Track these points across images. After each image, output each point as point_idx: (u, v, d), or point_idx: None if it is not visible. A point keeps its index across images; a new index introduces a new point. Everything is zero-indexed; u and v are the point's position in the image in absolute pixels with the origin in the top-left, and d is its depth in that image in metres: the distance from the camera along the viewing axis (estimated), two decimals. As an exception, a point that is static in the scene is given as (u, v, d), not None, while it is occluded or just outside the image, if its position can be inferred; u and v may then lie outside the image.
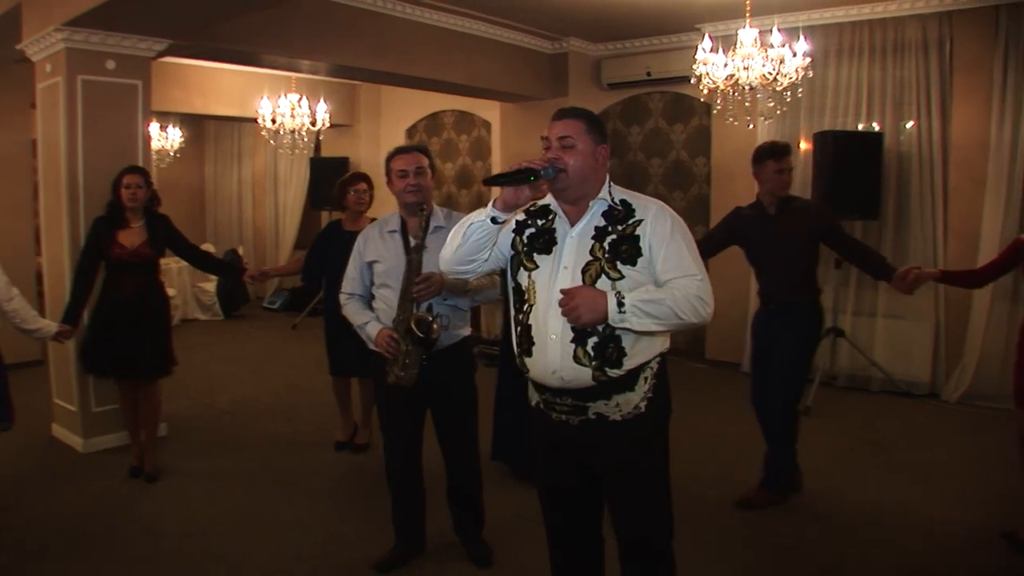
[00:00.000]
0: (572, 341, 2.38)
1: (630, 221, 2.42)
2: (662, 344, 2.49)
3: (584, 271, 2.40)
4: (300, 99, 8.50)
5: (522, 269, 2.49)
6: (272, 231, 12.06)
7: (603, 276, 2.37)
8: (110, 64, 5.19)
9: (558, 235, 2.47)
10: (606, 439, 2.46)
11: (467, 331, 3.59)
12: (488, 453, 4.82)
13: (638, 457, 2.50)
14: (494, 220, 2.43)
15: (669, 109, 8.38)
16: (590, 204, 2.46)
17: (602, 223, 2.44)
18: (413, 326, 3.27)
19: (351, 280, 3.61)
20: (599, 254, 2.40)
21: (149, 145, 5.56)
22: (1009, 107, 6.26)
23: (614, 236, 2.41)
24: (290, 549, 3.90)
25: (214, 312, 10.67)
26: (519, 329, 2.51)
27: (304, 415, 6.17)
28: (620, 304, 2.29)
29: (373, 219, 5.19)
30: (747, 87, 5.56)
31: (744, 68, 5.42)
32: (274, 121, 8.43)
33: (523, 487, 4.50)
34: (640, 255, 2.39)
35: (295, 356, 8.34)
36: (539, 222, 2.52)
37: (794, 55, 5.49)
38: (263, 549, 3.89)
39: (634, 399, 2.44)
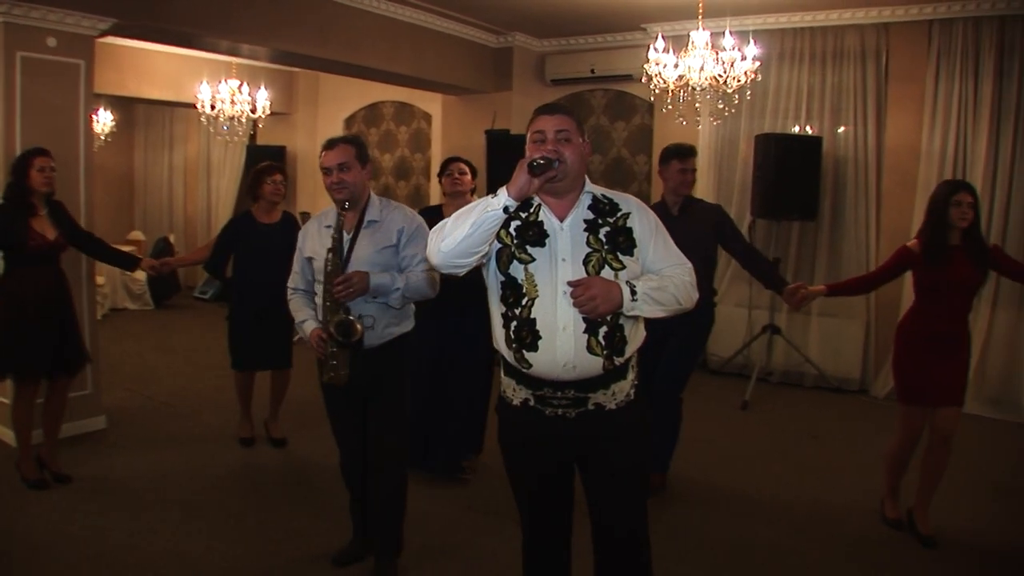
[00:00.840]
0: (585, 332, 2.38)
1: (618, 214, 2.47)
2: (643, 333, 2.55)
3: (586, 262, 2.40)
4: (240, 85, 8.24)
5: (516, 262, 2.43)
6: (204, 219, 11.71)
7: (606, 267, 2.40)
8: (51, 41, 4.92)
9: (547, 227, 2.44)
10: (602, 429, 2.47)
11: (404, 328, 3.44)
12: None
13: (631, 444, 2.53)
14: (506, 209, 2.35)
15: (612, 107, 8.42)
16: (579, 197, 2.48)
17: (590, 216, 2.46)
18: (332, 330, 3.19)
19: (295, 275, 3.50)
20: (597, 245, 2.41)
21: (92, 129, 5.30)
22: (940, 116, 6.51)
23: (608, 228, 2.44)
24: (244, 545, 3.78)
25: (144, 301, 10.32)
26: (515, 324, 2.43)
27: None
28: (633, 293, 2.34)
29: (286, 212, 5.22)
30: (697, 88, 5.62)
31: (700, 68, 5.46)
32: (213, 107, 8.15)
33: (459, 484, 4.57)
34: (635, 246, 2.45)
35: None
36: (522, 214, 2.47)
37: (743, 58, 5.57)
38: (218, 546, 3.77)
39: (626, 387, 2.49)
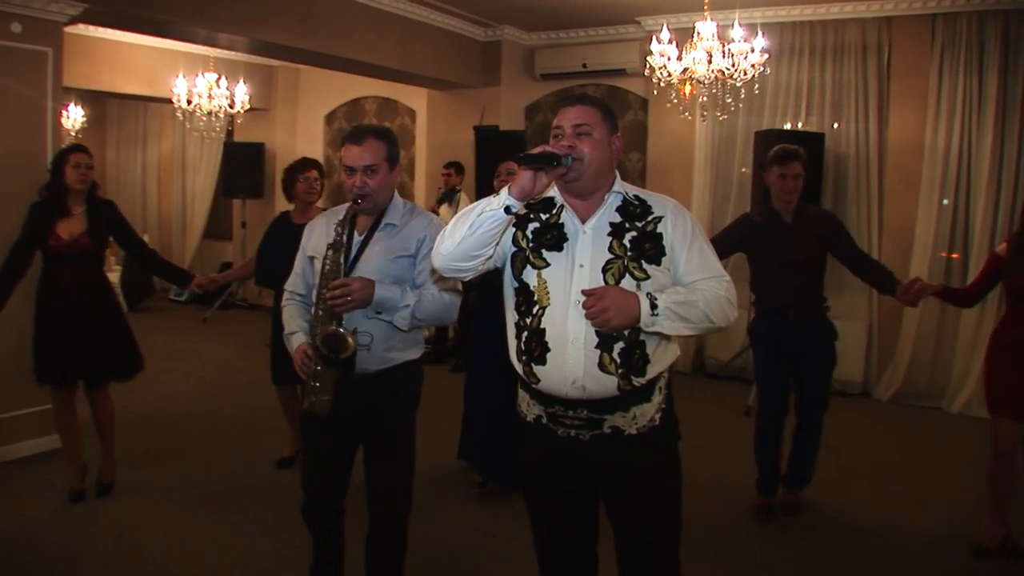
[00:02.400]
0: (597, 347, 2.13)
1: (649, 218, 2.21)
2: (675, 351, 2.29)
3: (605, 270, 2.16)
4: (218, 79, 7.82)
5: (529, 267, 2.20)
6: (179, 219, 11.26)
7: (627, 275, 2.15)
8: (16, 27, 4.52)
9: (567, 230, 2.21)
10: (620, 454, 2.21)
11: (410, 355, 2.85)
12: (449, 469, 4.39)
13: (654, 472, 2.27)
14: (507, 210, 2.09)
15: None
16: (605, 198, 2.23)
17: (617, 219, 2.21)
18: (319, 342, 2.62)
19: (295, 277, 2.95)
20: (620, 252, 2.17)
21: (60, 122, 4.89)
22: (944, 113, 6.29)
23: (634, 233, 2.19)
24: (232, 574, 3.41)
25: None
26: (526, 334, 2.21)
27: (228, 419, 5.62)
28: (653, 306, 2.07)
29: (324, 209, 4.73)
30: (705, 82, 5.32)
31: (708, 61, 5.17)
32: (189, 102, 7.72)
33: (484, 503, 4.22)
34: (663, 254, 2.19)
35: (210, 353, 7.71)
36: (543, 216, 2.25)
37: (752, 51, 5.29)
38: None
39: (650, 411, 2.23)
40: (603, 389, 2.14)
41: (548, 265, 2.18)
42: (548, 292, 2.16)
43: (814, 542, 3.93)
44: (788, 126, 6.84)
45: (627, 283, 2.13)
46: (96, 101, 10.76)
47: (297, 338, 2.82)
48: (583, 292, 2.10)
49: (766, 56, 5.34)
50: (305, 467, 2.99)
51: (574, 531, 2.38)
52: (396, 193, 2.88)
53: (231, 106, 7.93)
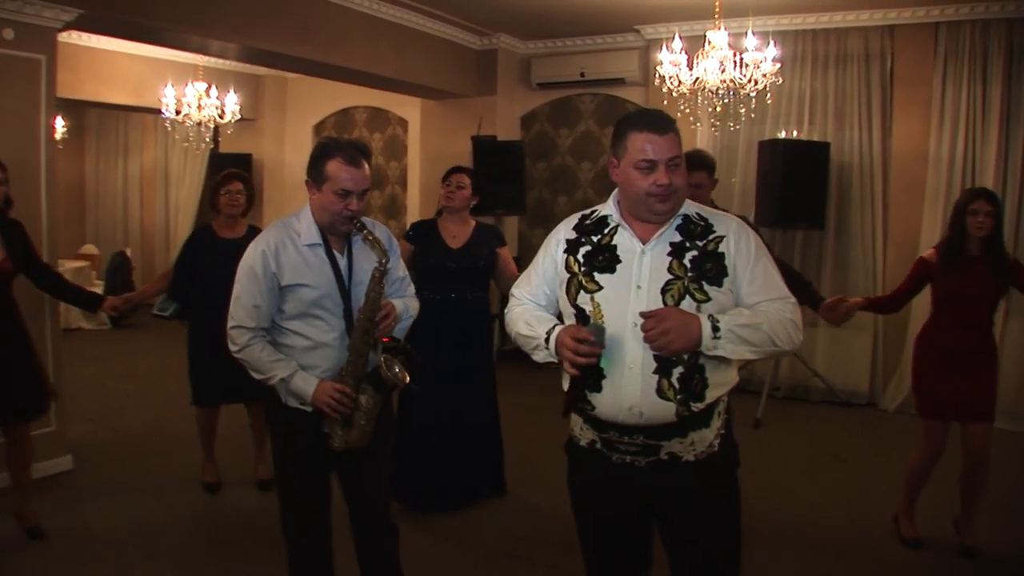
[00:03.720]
0: (655, 372, 2.02)
1: (710, 237, 2.11)
2: (734, 376, 2.16)
3: (664, 291, 2.05)
4: (208, 88, 7.58)
5: (583, 292, 2.10)
6: (162, 232, 10.98)
7: (688, 297, 2.04)
8: (8, 33, 4.29)
9: (621, 251, 2.11)
10: (678, 482, 2.10)
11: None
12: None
13: (714, 500, 2.15)
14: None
15: (601, 112, 7.97)
16: (671, 217, 2.12)
17: (678, 238, 2.10)
18: (386, 374, 2.54)
19: (253, 311, 2.57)
20: (680, 272, 2.06)
21: (53, 134, 4.65)
22: (948, 121, 6.25)
23: (695, 252, 2.08)
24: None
25: (100, 320, 9.50)
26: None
27: (225, 442, 5.37)
28: (715, 328, 1.98)
29: (252, 225, 4.47)
30: (718, 91, 5.21)
31: (720, 70, 5.05)
32: (178, 112, 7.47)
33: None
34: (726, 275, 2.08)
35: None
36: (594, 238, 2.16)
37: (765, 60, 5.19)
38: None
39: (708, 436, 2.11)
40: (661, 415, 2.04)
41: (600, 288, 2.08)
42: (603, 317, 2.06)
43: (831, 558, 3.80)
44: (794, 134, 6.76)
45: (687, 305, 2.03)
46: (76, 110, 10.48)
47: (303, 378, 2.56)
48: (641, 315, 1.99)
49: (778, 66, 5.24)
50: (298, 492, 2.73)
51: (627, 558, 2.26)
52: None
53: (221, 116, 7.69)
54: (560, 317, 2.22)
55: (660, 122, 2.07)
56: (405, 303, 2.76)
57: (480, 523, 4.14)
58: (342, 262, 2.62)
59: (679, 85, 5.29)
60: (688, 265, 2.06)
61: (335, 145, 2.57)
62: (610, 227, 2.15)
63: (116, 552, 3.70)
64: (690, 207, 2.15)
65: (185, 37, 5.63)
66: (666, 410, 2.03)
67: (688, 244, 2.08)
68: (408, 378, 2.60)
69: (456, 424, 4.18)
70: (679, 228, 2.11)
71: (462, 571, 3.64)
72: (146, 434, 5.52)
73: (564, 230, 2.23)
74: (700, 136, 6.96)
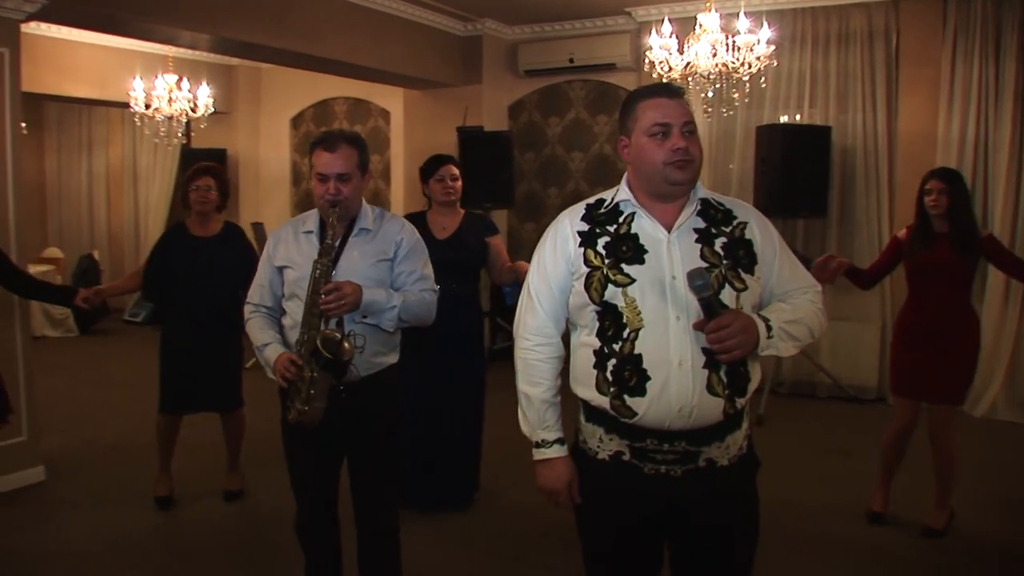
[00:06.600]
0: (705, 366, 2.03)
1: (734, 223, 2.17)
2: (759, 369, 2.22)
3: None
4: (179, 80, 7.76)
5: (612, 286, 2.08)
6: (132, 233, 11.15)
7: (727, 286, 2.07)
8: (-33, 27, 4.47)
9: (644, 240, 2.10)
10: (711, 488, 2.11)
11: (392, 359, 3.06)
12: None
13: (746, 507, 2.22)
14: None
15: (592, 99, 8.17)
16: (688, 200, 2.15)
17: (701, 224, 2.14)
18: (319, 345, 2.70)
19: (259, 289, 3.05)
20: (714, 260, 2.09)
21: (20, 131, 4.82)
22: (958, 100, 6.39)
23: (724, 239, 2.13)
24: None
25: (67, 327, 9.70)
26: (613, 363, 2.08)
27: (209, 446, 5.56)
28: (768, 328, 2.04)
29: (228, 221, 4.69)
30: (710, 75, 5.40)
31: (712, 55, 5.25)
32: (148, 105, 7.64)
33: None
34: (756, 262, 2.14)
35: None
36: (610, 228, 2.14)
37: (758, 42, 5.37)
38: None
39: (739, 438, 2.17)
40: (710, 414, 2.05)
41: (632, 281, 2.06)
42: (639, 312, 2.05)
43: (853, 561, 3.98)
44: (796, 118, 6.95)
45: (727, 294, 2.06)
46: (34, 105, 10.59)
47: (273, 349, 2.89)
48: (696, 326, 2.01)
49: (772, 48, 5.41)
50: (299, 484, 3.07)
51: (643, 567, 2.27)
52: (364, 200, 3.05)
53: (193, 109, 7.86)
54: (568, 322, 2.23)
55: (669, 88, 2.15)
56: (391, 294, 2.91)
57: (475, 524, 4.34)
58: (331, 273, 2.85)
59: (669, 71, 5.46)
60: (721, 252, 2.09)
61: (322, 136, 2.95)
62: (626, 214, 2.14)
63: (95, 566, 3.88)
64: (705, 191, 2.20)
65: (152, 27, 5.81)
66: (715, 407, 2.04)
67: (714, 230, 2.12)
68: (343, 358, 2.74)
69: (438, 426, 4.38)
70: (700, 214, 2.14)
71: (459, 573, 3.82)
72: (121, 444, 5.70)
73: (570, 223, 2.19)
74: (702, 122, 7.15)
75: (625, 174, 2.22)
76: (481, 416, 4.60)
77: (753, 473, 2.24)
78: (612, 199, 2.19)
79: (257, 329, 2.98)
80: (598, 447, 2.17)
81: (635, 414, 2.05)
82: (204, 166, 4.65)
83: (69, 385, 7.31)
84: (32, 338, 8.93)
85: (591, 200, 2.23)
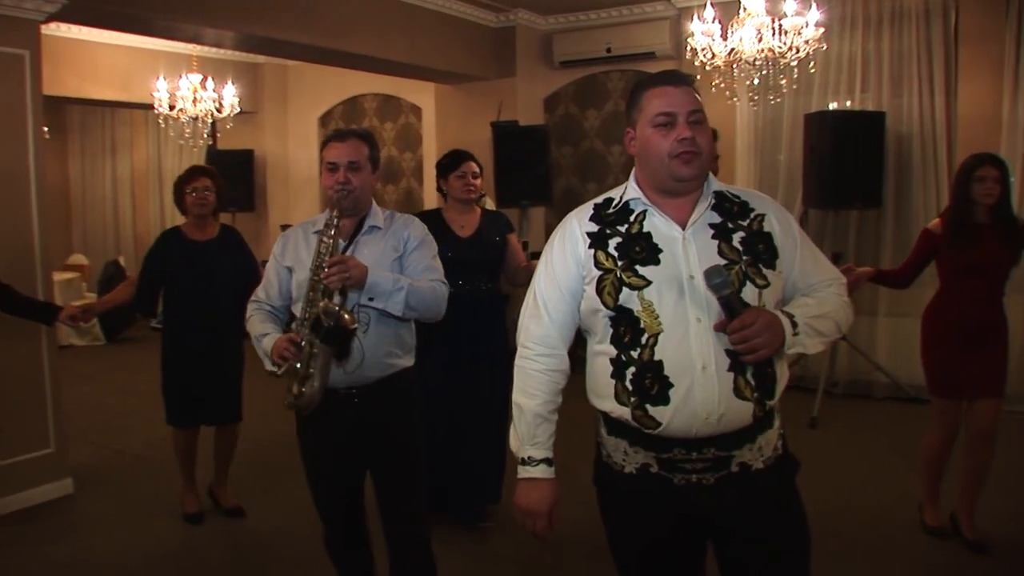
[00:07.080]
0: (730, 369, 1.96)
1: (752, 215, 2.10)
2: (786, 367, 2.14)
3: None
4: (204, 80, 7.69)
5: (627, 289, 2.01)
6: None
7: (748, 284, 1.99)
8: (-13, 26, 4.41)
9: (658, 239, 2.04)
10: (748, 494, 2.04)
11: (406, 362, 3.00)
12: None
13: (790, 514, 2.12)
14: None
15: (630, 90, 7.98)
16: (701, 194, 2.09)
17: (717, 219, 2.07)
18: (321, 314, 2.63)
19: (265, 287, 3.03)
20: (733, 256, 2.01)
21: (42, 136, 4.75)
22: (1023, 80, 6.14)
23: (743, 233, 2.06)
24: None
25: (94, 336, 9.69)
26: (633, 371, 2.00)
27: (244, 458, 5.47)
28: (794, 325, 1.98)
29: (225, 225, 4.60)
30: (756, 61, 5.22)
31: (758, 39, 5.07)
32: (172, 107, 7.59)
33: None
34: (777, 256, 2.07)
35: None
36: (621, 228, 2.08)
37: (807, 25, 5.19)
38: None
39: (773, 438, 2.10)
40: (739, 419, 1.98)
41: (648, 283, 2.00)
42: (657, 316, 1.98)
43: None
44: (847, 104, 6.74)
45: (749, 292, 1.98)
46: (57, 108, 10.63)
47: (270, 339, 2.83)
48: (718, 327, 1.95)
49: (821, 30, 5.24)
50: (322, 500, 3.04)
51: None
52: (374, 201, 3.06)
53: (219, 109, 7.80)
54: (579, 330, 2.17)
55: (675, 75, 2.09)
56: (398, 277, 2.83)
57: (502, 530, 4.22)
58: (341, 245, 2.85)
59: (712, 58, 5.29)
60: (740, 248, 2.03)
61: (330, 133, 3.03)
62: (636, 213, 2.09)
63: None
64: (718, 183, 2.13)
65: (177, 26, 5.75)
66: (744, 411, 1.98)
67: (731, 225, 2.06)
68: (351, 324, 2.67)
69: (463, 427, 4.31)
70: (715, 208, 2.08)
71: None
72: (149, 453, 5.64)
73: (578, 225, 2.13)
74: (739, 112, 6.99)
75: (632, 170, 2.15)
76: (507, 420, 4.44)
77: (792, 476, 2.15)
78: (621, 197, 2.13)
79: (257, 322, 2.95)
80: (623, 461, 2.11)
81: (659, 424, 1.99)
82: (200, 167, 4.62)
83: (97, 394, 7.29)
84: (59, 347, 9.01)
85: (599, 199, 2.17)
